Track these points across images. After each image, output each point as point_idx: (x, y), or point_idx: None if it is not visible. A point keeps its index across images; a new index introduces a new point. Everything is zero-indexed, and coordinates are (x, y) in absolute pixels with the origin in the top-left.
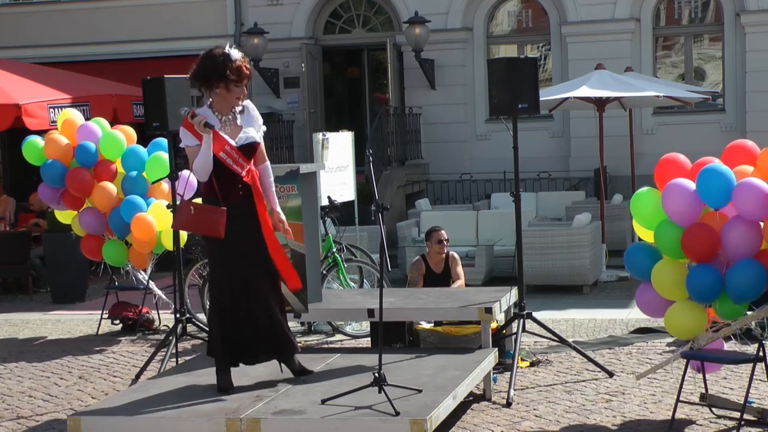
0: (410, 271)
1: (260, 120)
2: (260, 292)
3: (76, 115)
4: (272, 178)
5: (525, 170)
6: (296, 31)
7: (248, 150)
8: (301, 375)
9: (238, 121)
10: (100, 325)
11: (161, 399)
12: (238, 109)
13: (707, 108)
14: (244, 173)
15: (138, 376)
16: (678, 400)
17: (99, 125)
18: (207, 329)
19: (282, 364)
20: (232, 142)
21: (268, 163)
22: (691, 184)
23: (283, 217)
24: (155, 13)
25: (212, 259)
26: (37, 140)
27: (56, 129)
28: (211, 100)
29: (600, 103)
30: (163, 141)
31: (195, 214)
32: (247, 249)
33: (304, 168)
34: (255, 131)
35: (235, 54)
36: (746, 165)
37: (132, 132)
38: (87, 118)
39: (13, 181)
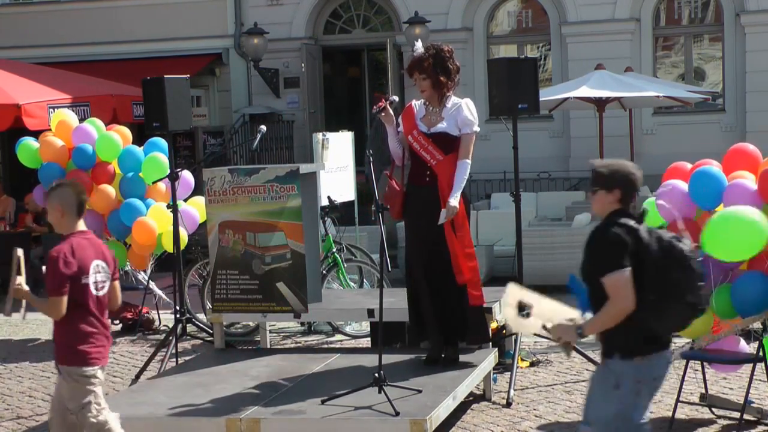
0: None
1: (467, 118)
2: (436, 276)
3: (70, 117)
4: (465, 176)
5: (525, 170)
6: (296, 31)
7: (440, 140)
8: (452, 363)
9: (443, 114)
10: None
11: (161, 399)
12: (450, 103)
13: (707, 108)
14: (432, 161)
15: (138, 376)
16: (678, 400)
17: (94, 126)
18: (207, 329)
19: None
20: (424, 129)
21: (467, 161)
22: (684, 186)
23: (455, 205)
24: (155, 14)
25: (405, 239)
26: (32, 142)
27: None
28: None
29: (600, 103)
30: (160, 140)
31: (388, 188)
32: (425, 234)
33: (304, 168)
34: (454, 126)
35: (417, 50)
36: (745, 171)
37: (128, 132)
38: (84, 119)
39: (12, 182)
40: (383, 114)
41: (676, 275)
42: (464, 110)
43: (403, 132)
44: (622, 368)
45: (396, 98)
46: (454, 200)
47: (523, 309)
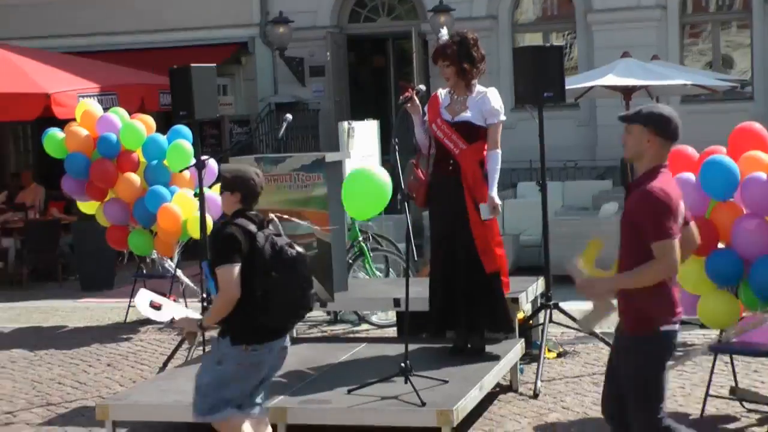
0: None
1: (493, 108)
2: (461, 265)
3: (94, 106)
4: (498, 166)
5: (551, 159)
6: (321, 19)
7: (464, 129)
8: (478, 353)
9: (467, 103)
10: (128, 313)
11: (188, 387)
12: (475, 91)
13: (735, 96)
14: (456, 150)
15: (165, 364)
16: (707, 394)
17: (118, 115)
18: None
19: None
20: (448, 118)
21: (497, 151)
22: (693, 178)
23: (498, 201)
24: (182, 3)
25: (430, 228)
26: (57, 133)
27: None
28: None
29: (627, 92)
30: (183, 128)
31: (413, 177)
32: (449, 223)
33: (330, 157)
34: (478, 115)
35: (443, 38)
36: (756, 151)
37: (151, 121)
38: (110, 107)
39: (42, 171)
40: (409, 104)
41: (282, 277)
42: (490, 100)
43: (428, 121)
44: (228, 350)
45: (423, 87)
46: (495, 194)
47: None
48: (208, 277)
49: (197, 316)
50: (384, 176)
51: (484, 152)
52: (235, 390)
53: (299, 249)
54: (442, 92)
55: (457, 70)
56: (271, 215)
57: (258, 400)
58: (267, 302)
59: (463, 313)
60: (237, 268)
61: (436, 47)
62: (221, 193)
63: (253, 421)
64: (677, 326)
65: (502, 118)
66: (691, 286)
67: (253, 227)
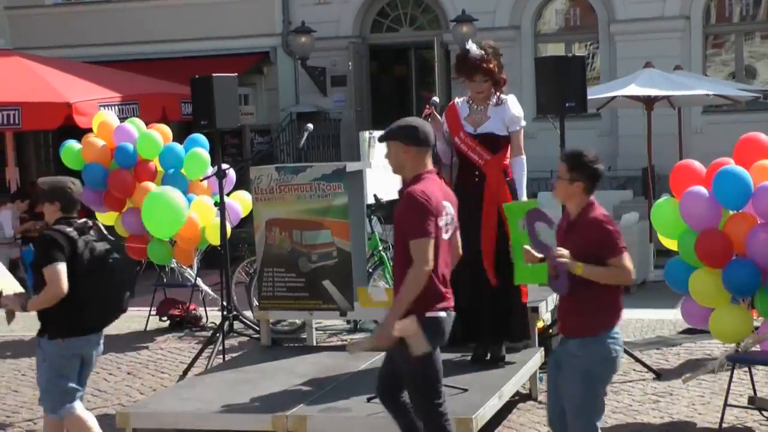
0: None
1: (515, 115)
2: (472, 278)
3: (110, 117)
4: (524, 171)
5: None
6: (344, 29)
7: (487, 140)
8: (498, 362)
9: (488, 112)
10: (148, 321)
11: (208, 395)
12: (494, 101)
13: (758, 107)
14: (480, 162)
15: (185, 372)
16: (726, 404)
17: (134, 126)
18: (254, 326)
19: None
20: (470, 130)
21: (522, 157)
22: (705, 191)
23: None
24: (204, 13)
25: None
26: (74, 144)
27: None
28: (466, 89)
29: (648, 102)
30: (200, 137)
31: None
32: (476, 233)
33: (351, 166)
34: (501, 125)
35: (474, 52)
36: (763, 160)
37: (168, 130)
38: (131, 117)
39: None
40: (430, 120)
41: (100, 280)
42: (510, 108)
43: (449, 133)
44: (47, 346)
45: (437, 99)
46: (525, 198)
47: None
48: (27, 271)
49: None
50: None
51: (506, 160)
52: (65, 382)
53: (117, 255)
54: (459, 101)
55: (494, 83)
56: (94, 221)
57: (80, 393)
58: (85, 303)
59: (487, 323)
60: (62, 266)
61: (470, 61)
62: (42, 204)
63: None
64: (443, 313)
65: (523, 123)
66: (705, 299)
67: (74, 233)
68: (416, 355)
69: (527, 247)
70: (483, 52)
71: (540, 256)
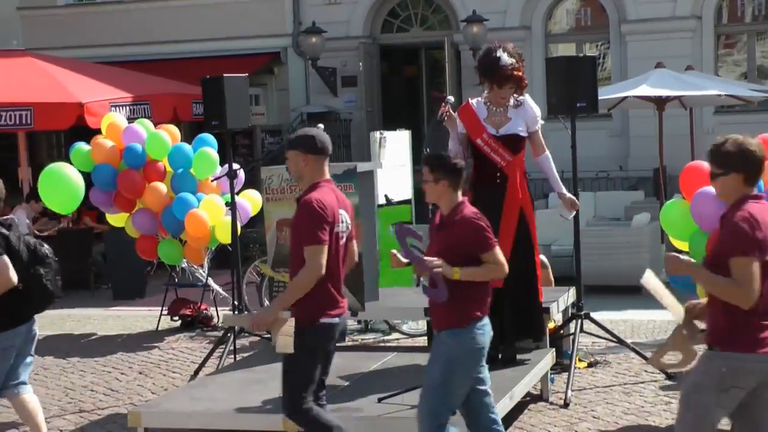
0: None
1: (535, 115)
2: (510, 276)
3: (119, 118)
4: (553, 164)
5: (583, 170)
6: (354, 30)
7: (510, 141)
8: (509, 362)
9: (508, 114)
10: (159, 321)
11: (219, 395)
12: (512, 102)
13: None
14: (503, 163)
15: (197, 372)
16: None
17: (143, 126)
18: None
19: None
20: (492, 132)
21: (547, 153)
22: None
23: (574, 198)
24: (214, 13)
25: None
26: (83, 146)
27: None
28: (486, 91)
29: (660, 102)
30: (208, 137)
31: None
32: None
33: (361, 167)
34: (522, 125)
35: (505, 60)
36: None
37: (176, 130)
38: (145, 117)
39: None
40: (446, 119)
41: (39, 270)
42: (530, 108)
43: (469, 134)
44: None
45: (452, 98)
46: (564, 190)
47: None
48: None
49: None
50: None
51: (523, 161)
52: (3, 370)
53: (47, 246)
54: (474, 102)
55: (517, 88)
56: (10, 216)
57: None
58: (29, 293)
59: (509, 322)
60: (6, 258)
61: (501, 70)
62: None
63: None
64: (337, 319)
65: (542, 122)
66: None
67: (5, 230)
68: (278, 352)
69: (394, 251)
70: (513, 60)
71: (405, 261)
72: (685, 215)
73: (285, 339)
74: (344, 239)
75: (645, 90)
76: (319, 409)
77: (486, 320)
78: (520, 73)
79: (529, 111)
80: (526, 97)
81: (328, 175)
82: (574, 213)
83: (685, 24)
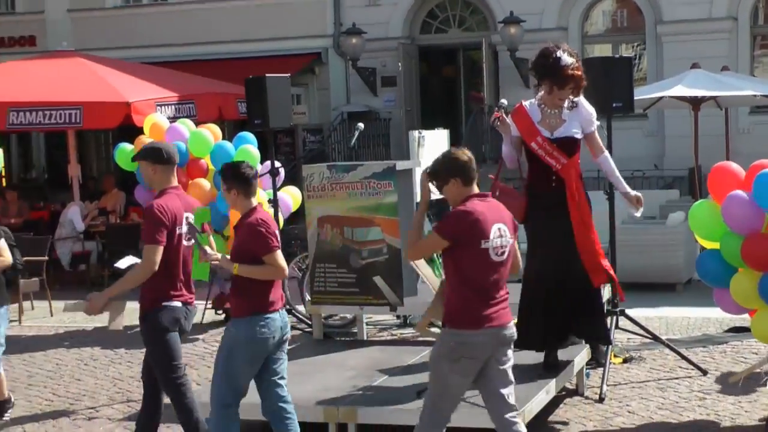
0: None
1: (591, 116)
2: (572, 280)
3: (161, 119)
4: (613, 165)
5: (619, 169)
6: (393, 31)
7: (565, 144)
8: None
9: (563, 116)
10: (204, 314)
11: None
12: (566, 104)
13: None
14: (558, 166)
15: None
16: None
17: (185, 125)
18: (306, 321)
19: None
20: (547, 135)
21: (606, 153)
22: (744, 195)
23: (639, 195)
24: (258, 15)
25: (528, 245)
26: (127, 146)
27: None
28: (541, 92)
29: (695, 102)
30: (248, 135)
31: (499, 196)
32: (557, 240)
33: (401, 165)
34: (578, 127)
35: (566, 60)
36: None
37: (217, 129)
38: (190, 116)
39: (122, 177)
40: (499, 124)
41: (17, 260)
42: (585, 109)
43: (523, 138)
44: None
45: (505, 101)
46: (629, 189)
47: None
48: None
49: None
50: None
51: (578, 163)
52: None
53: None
54: (527, 104)
55: (575, 89)
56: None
57: None
58: (9, 283)
59: (574, 329)
60: (3, 240)
61: (562, 70)
62: None
63: None
64: (179, 303)
65: (597, 122)
66: (747, 300)
67: None
68: (110, 329)
69: (206, 248)
70: (573, 59)
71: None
72: (712, 216)
73: (116, 319)
74: (191, 240)
75: (680, 90)
76: (192, 394)
77: (271, 315)
78: (580, 73)
79: (584, 112)
80: (581, 98)
81: (175, 182)
82: (642, 209)
83: (721, 25)
